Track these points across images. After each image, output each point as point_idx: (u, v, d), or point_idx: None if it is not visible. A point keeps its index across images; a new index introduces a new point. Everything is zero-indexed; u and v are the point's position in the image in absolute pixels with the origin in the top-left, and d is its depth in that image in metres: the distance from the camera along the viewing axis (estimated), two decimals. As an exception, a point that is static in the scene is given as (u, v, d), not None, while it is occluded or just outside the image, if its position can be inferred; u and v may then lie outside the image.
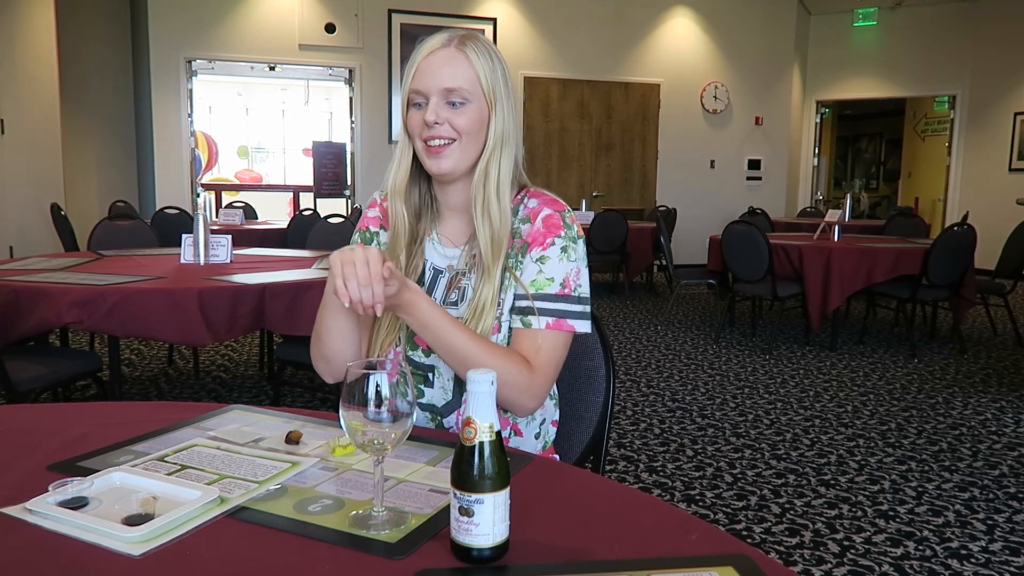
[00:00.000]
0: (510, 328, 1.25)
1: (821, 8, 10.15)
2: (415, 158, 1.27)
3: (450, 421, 1.28)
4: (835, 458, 3.12)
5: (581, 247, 1.27)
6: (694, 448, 3.22)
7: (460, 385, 1.26)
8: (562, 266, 1.23)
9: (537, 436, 1.34)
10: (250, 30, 7.82)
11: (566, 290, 1.23)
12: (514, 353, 1.19)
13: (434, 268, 1.31)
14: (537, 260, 1.24)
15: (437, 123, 1.20)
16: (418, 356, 1.28)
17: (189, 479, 0.93)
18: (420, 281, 1.30)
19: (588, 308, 1.25)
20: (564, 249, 1.24)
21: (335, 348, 1.24)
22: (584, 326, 1.24)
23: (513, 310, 1.24)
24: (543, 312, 1.21)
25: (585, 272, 1.26)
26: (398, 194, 1.28)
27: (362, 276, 1.03)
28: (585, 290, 1.25)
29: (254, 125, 10.76)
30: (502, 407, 1.24)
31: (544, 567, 0.76)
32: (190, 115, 7.82)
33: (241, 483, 0.93)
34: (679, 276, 6.18)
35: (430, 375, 1.28)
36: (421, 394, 1.29)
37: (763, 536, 2.41)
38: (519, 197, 1.31)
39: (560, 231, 1.25)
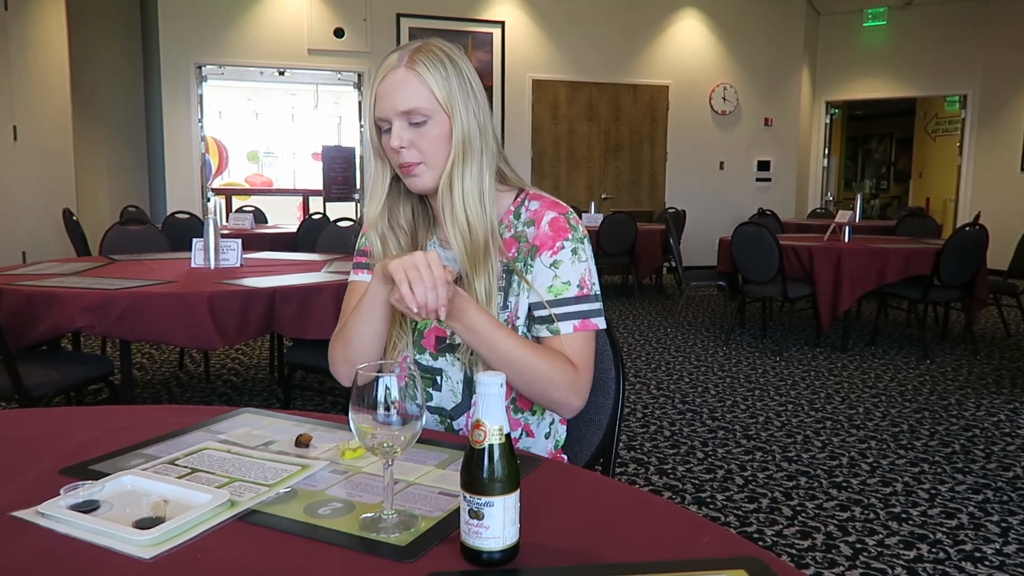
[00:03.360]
0: (531, 336, 1.26)
1: (830, 8, 10.11)
2: (396, 176, 1.27)
3: (460, 424, 1.28)
4: (847, 460, 3.10)
5: (588, 246, 1.28)
6: (704, 450, 3.21)
7: (469, 387, 1.26)
8: (575, 268, 1.25)
9: (547, 436, 1.35)
10: (259, 35, 7.86)
11: (584, 291, 1.25)
12: (559, 354, 1.21)
13: None
14: (550, 266, 1.25)
15: (403, 147, 1.19)
16: (425, 359, 1.29)
17: (200, 482, 0.93)
18: None
19: (601, 304, 1.27)
20: (574, 251, 1.25)
21: (363, 353, 1.22)
22: (603, 322, 1.27)
23: (536, 320, 1.25)
24: (568, 316, 1.23)
25: (594, 269, 1.28)
26: (373, 226, 1.28)
27: (427, 279, 1.03)
28: (598, 286, 1.28)
29: (264, 130, 10.79)
30: (550, 408, 1.26)
31: (554, 570, 0.76)
32: (200, 120, 7.86)
33: (251, 486, 0.93)
34: (688, 278, 6.16)
35: (438, 378, 1.28)
36: (429, 397, 1.29)
37: (775, 539, 2.40)
38: (519, 200, 1.31)
39: (567, 234, 1.26)
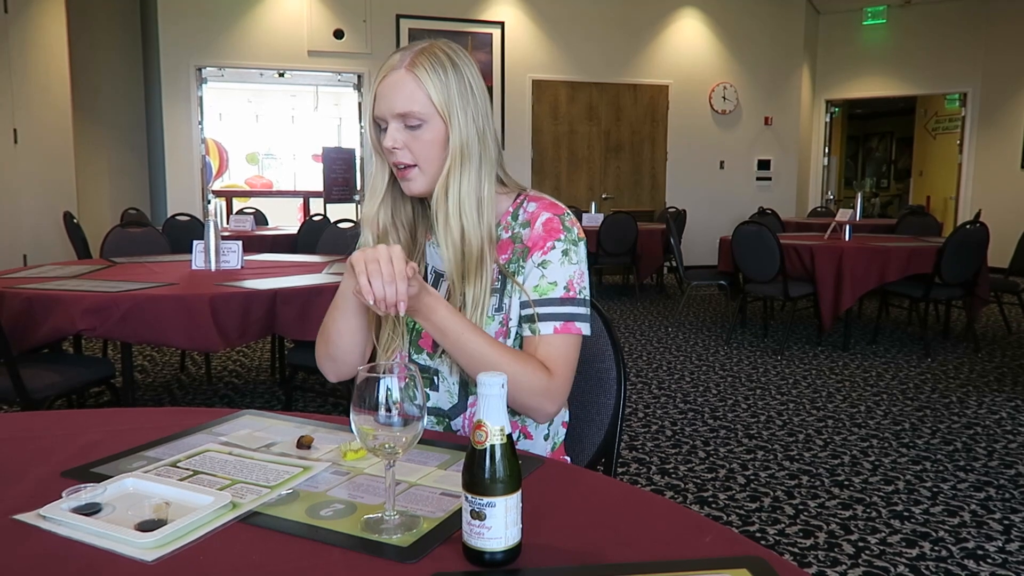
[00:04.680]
0: (519, 336, 1.25)
1: (830, 7, 10.11)
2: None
3: (457, 424, 1.28)
4: (849, 459, 3.10)
5: (582, 249, 1.26)
6: (706, 450, 3.21)
7: (466, 388, 1.26)
8: (564, 269, 1.23)
9: (546, 437, 1.34)
10: (259, 37, 7.86)
11: (570, 293, 1.23)
12: (531, 357, 1.19)
13: (435, 271, 1.31)
14: (539, 265, 1.24)
15: (396, 148, 1.19)
16: (423, 359, 1.29)
17: (201, 484, 0.93)
18: None
19: (589, 310, 1.26)
20: (565, 252, 1.24)
21: (343, 348, 1.24)
22: (588, 328, 1.24)
23: (521, 318, 1.24)
24: (550, 317, 1.21)
25: (586, 274, 1.27)
26: (369, 223, 1.28)
27: (386, 273, 1.02)
28: (587, 292, 1.26)
29: (264, 131, 10.81)
30: (522, 413, 1.23)
31: (556, 571, 0.76)
32: (200, 122, 7.86)
33: (253, 488, 0.93)
34: (690, 277, 6.17)
35: (435, 379, 1.28)
36: (427, 397, 1.28)
37: (777, 538, 2.40)
38: (518, 201, 1.30)
39: (560, 234, 1.24)
